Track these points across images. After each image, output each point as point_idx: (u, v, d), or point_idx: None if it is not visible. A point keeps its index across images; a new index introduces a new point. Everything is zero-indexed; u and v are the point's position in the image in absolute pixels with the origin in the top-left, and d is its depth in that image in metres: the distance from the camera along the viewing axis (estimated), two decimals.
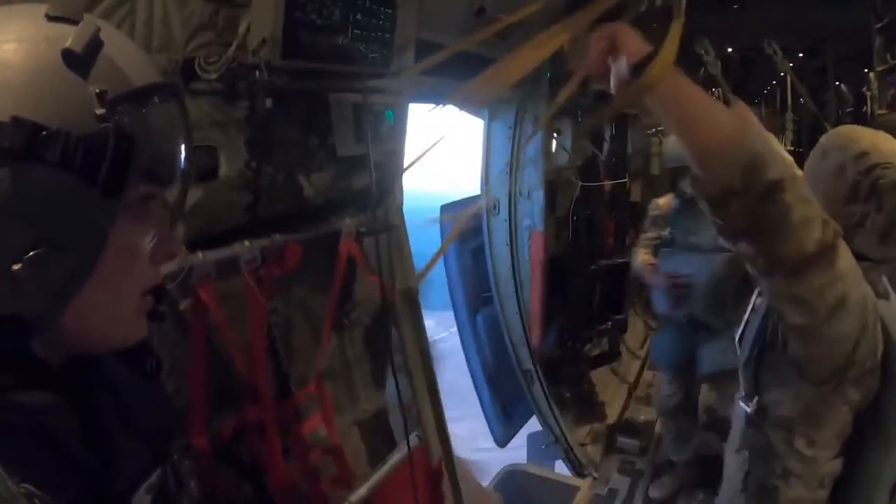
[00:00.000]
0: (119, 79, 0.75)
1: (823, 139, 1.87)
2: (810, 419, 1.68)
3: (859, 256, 1.65)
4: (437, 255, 2.31)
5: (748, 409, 1.84)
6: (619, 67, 1.29)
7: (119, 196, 0.73)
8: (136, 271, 0.81)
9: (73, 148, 0.69)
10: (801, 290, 1.45)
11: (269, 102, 1.72)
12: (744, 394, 1.87)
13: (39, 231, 0.69)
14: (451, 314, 4.71)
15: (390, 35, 1.89)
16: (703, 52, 4.84)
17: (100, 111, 0.71)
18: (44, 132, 0.68)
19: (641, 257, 4.20)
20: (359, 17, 1.78)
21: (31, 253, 0.68)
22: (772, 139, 1.64)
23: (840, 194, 1.75)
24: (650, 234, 4.23)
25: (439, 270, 4.35)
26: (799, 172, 1.55)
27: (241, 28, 1.62)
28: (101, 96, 0.71)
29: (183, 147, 0.82)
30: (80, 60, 0.71)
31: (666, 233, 4.12)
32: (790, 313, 1.52)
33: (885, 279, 1.81)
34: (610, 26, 1.30)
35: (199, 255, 1.60)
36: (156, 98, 0.78)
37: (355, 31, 1.78)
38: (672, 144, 4.06)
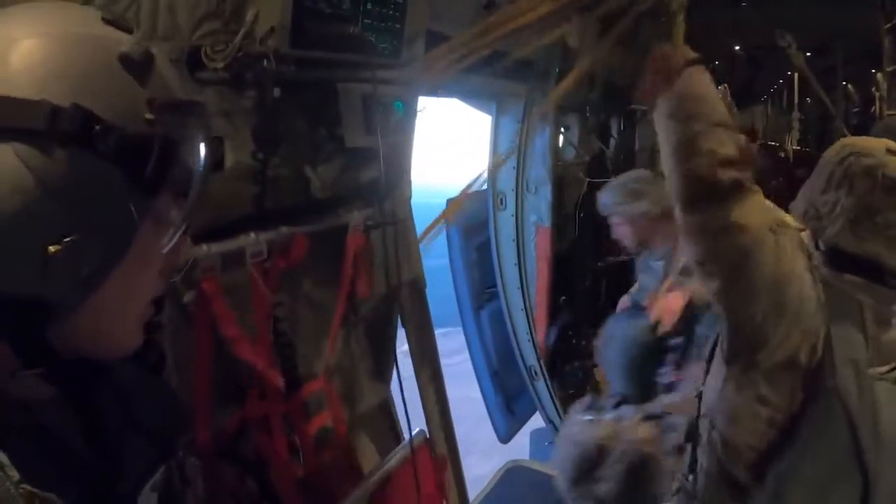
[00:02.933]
0: (167, 90, 0.78)
1: None
2: (724, 407, 1.66)
3: (837, 258, 1.67)
4: (430, 228, 2.32)
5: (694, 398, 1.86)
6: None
7: (155, 197, 0.75)
8: (150, 276, 0.82)
9: (125, 143, 0.71)
10: (698, 228, 1.53)
11: (276, 92, 1.70)
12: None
13: (79, 216, 0.70)
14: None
15: (400, 25, 1.87)
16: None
17: (149, 116, 0.73)
18: (99, 124, 0.69)
19: None
20: (369, 6, 1.76)
21: (69, 238, 0.69)
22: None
23: (818, 187, 1.74)
24: None
25: None
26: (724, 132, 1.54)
27: (249, 16, 1.60)
28: (150, 102, 0.74)
29: (207, 164, 0.83)
30: (137, 66, 0.74)
31: None
32: (693, 254, 1.59)
33: None
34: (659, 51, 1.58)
35: (204, 247, 1.58)
36: (192, 114, 0.82)
37: (365, 20, 1.75)
38: None
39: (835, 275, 1.67)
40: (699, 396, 1.85)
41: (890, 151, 1.67)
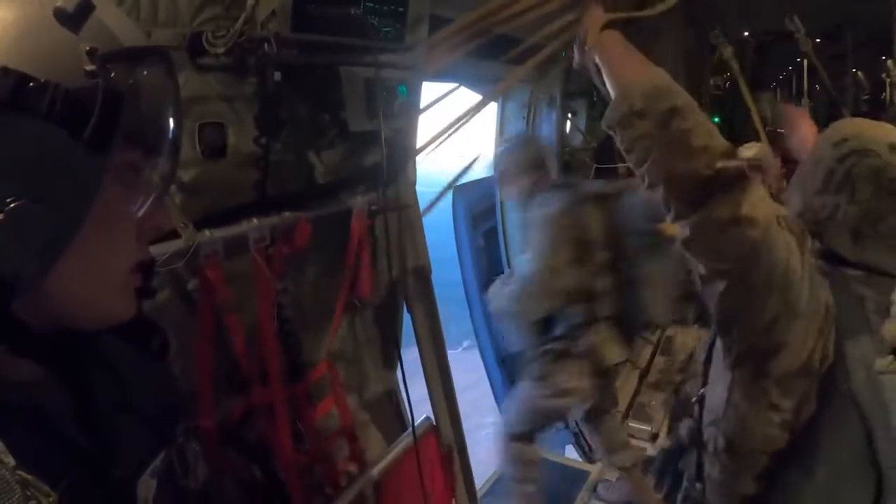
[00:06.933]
0: (109, 39, 0.74)
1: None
2: (732, 416, 1.57)
3: (835, 257, 1.58)
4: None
5: (694, 401, 1.78)
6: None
7: (105, 155, 0.72)
8: (121, 242, 0.79)
9: (61, 100, 0.68)
10: (702, 224, 1.42)
11: (278, 76, 1.68)
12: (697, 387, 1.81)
13: (22, 182, 0.67)
14: None
15: (403, 8, 1.84)
16: (716, 41, 4.78)
17: (89, 67, 0.70)
18: (32, 83, 0.67)
19: None
20: None
21: (12, 204, 0.66)
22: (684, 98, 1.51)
23: (815, 185, 1.62)
24: None
25: None
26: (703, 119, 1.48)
27: (250, 0, 1.58)
28: (90, 53, 0.70)
29: (172, 116, 0.80)
30: (71, 18, 0.70)
31: None
32: (697, 260, 1.49)
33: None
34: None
35: (207, 233, 1.57)
36: (145, 61, 0.77)
37: (367, 3, 1.73)
38: None
39: (833, 268, 1.57)
40: (700, 402, 1.78)
41: (892, 146, 1.55)
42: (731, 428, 1.59)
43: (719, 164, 1.40)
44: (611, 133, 1.55)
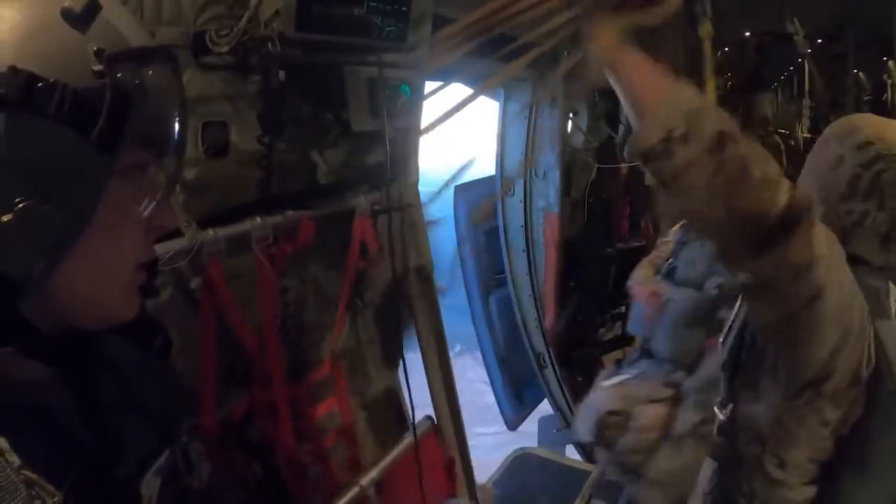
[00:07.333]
0: (116, 39, 0.75)
1: (827, 129, 1.70)
2: (782, 435, 1.51)
3: (858, 260, 1.54)
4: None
5: (721, 417, 1.71)
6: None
7: (112, 155, 0.72)
8: (128, 241, 0.80)
9: (70, 100, 0.68)
10: (771, 268, 1.29)
11: (282, 76, 1.69)
12: (720, 399, 1.75)
13: (30, 182, 0.68)
14: None
15: (406, 8, 1.85)
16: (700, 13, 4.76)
17: (97, 67, 0.70)
18: (40, 83, 0.67)
19: (642, 272, 3.92)
20: None
21: (21, 204, 0.67)
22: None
23: (837, 189, 1.56)
24: (660, 255, 3.96)
25: None
26: (754, 143, 1.30)
27: (253, 0, 1.58)
28: (98, 53, 0.71)
29: (178, 116, 0.81)
30: (78, 18, 0.71)
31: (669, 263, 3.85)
32: (760, 308, 1.39)
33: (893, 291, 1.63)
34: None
35: (210, 231, 1.58)
36: (152, 61, 0.78)
37: (371, 3, 1.73)
38: None
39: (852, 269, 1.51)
40: (731, 418, 1.70)
41: None
42: (781, 445, 1.53)
43: (789, 199, 1.25)
44: (637, 164, 1.35)
